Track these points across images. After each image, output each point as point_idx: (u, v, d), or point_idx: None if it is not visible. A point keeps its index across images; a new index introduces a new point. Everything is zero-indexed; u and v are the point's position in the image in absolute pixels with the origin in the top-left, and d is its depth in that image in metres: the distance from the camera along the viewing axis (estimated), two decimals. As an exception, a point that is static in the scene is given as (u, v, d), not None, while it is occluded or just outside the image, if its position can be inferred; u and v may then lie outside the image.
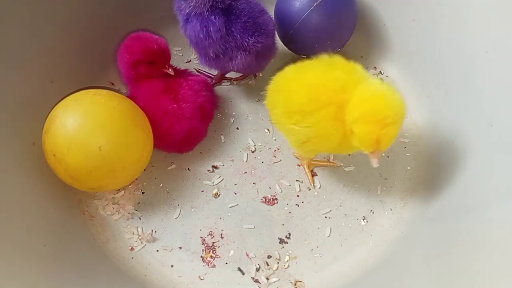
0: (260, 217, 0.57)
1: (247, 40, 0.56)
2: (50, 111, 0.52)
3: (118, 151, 0.50)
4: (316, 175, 0.60)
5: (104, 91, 0.54)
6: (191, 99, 0.57)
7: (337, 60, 0.50)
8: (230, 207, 0.58)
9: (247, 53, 0.57)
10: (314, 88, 0.48)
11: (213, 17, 0.54)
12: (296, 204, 0.58)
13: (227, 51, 0.57)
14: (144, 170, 0.57)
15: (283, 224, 0.56)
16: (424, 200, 0.57)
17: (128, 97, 0.56)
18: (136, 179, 0.58)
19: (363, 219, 0.57)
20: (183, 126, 0.56)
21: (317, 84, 0.48)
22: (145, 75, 0.58)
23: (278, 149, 0.62)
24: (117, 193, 0.58)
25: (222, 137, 0.63)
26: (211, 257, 0.54)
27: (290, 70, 0.52)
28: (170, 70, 0.59)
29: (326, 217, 0.57)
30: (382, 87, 0.46)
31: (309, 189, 0.59)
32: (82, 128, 0.49)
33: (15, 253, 0.45)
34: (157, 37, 0.58)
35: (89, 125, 0.49)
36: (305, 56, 0.69)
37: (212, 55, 0.58)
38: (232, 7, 0.55)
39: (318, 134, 0.49)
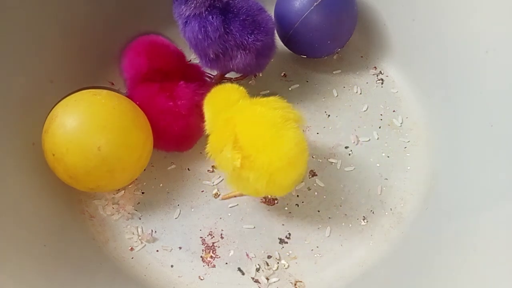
0: (260, 217, 0.57)
1: (247, 38, 0.56)
2: (50, 111, 0.52)
3: (117, 151, 0.50)
4: (316, 175, 0.60)
5: (104, 91, 0.54)
6: (187, 96, 0.57)
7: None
8: (230, 207, 0.58)
9: (247, 52, 0.57)
10: None
11: (210, 17, 0.54)
12: (296, 204, 0.58)
13: (227, 50, 0.57)
14: (144, 170, 0.57)
15: (283, 224, 0.56)
16: (424, 200, 0.57)
17: (127, 96, 0.56)
18: (136, 179, 0.58)
19: (363, 219, 0.57)
20: (180, 124, 0.56)
21: None
22: (153, 80, 0.58)
23: (278, 149, 0.62)
24: (117, 193, 0.58)
25: (222, 137, 0.63)
26: (211, 257, 0.54)
27: None
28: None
29: (326, 217, 0.57)
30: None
31: (309, 189, 0.59)
32: (81, 128, 0.49)
33: (15, 253, 0.44)
34: (178, 49, 0.60)
35: (89, 125, 0.49)
36: (305, 56, 0.69)
37: (212, 55, 0.58)
38: (229, 5, 0.55)
39: None
